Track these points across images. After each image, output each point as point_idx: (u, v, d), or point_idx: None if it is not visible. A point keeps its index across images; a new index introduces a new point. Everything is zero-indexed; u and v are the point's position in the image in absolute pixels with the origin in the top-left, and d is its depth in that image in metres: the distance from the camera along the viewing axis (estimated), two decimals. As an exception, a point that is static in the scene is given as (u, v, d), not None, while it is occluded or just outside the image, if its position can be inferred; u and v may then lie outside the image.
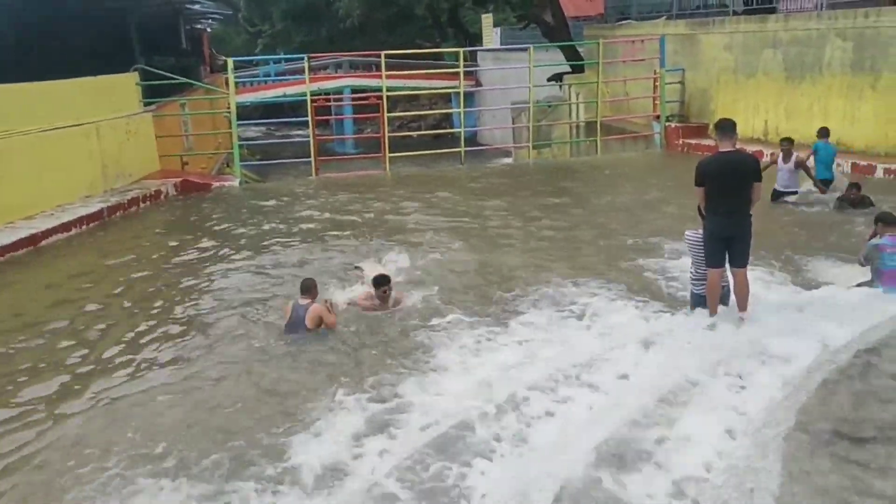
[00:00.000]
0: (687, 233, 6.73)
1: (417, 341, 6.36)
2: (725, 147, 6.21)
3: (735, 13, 17.45)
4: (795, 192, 11.34)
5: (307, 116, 16.38)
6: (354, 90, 28.02)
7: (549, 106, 22.14)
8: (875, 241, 6.98)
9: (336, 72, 31.66)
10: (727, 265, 6.31)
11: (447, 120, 33.02)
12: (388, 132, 17.24)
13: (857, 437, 3.43)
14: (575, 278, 7.85)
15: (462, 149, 17.45)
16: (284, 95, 26.54)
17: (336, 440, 4.65)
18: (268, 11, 42.06)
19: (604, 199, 12.79)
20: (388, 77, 17.59)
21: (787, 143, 11.32)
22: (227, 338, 6.75)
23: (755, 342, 5.43)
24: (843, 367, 4.26)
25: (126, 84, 15.29)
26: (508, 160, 21.80)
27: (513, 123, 23.36)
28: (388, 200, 13.22)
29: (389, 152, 16.69)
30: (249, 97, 28.16)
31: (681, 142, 17.13)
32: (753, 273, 7.43)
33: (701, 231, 6.44)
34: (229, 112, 16.09)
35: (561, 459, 4.11)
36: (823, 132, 11.68)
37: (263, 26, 43.29)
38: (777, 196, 11.34)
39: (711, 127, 17.33)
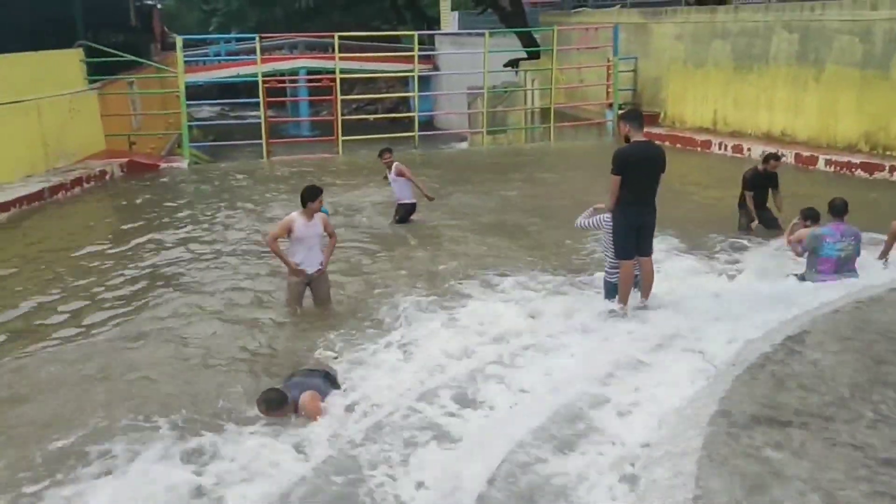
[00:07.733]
0: (605, 217, 6.56)
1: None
2: (638, 137, 6.19)
3: (687, 3, 17.69)
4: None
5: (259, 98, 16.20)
6: (310, 72, 27.61)
7: (506, 91, 22.18)
8: (817, 230, 7.11)
9: (291, 53, 31.17)
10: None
11: (405, 103, 32.72)
12: (344, 115, 17.09)
13: (775, 421, 3.54)
14: (512, 264, 8.15)
15: (416, 133, 17.42)
16: (237, 76, 26.03)
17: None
18: (222, -11, 41.20)
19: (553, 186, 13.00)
20: (343, 59, 17.46)
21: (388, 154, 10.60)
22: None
23: (678, 331, 5.56)
24: (765, 354, 4.38)
25: (69, 61, 14.86)
26: (464, 145, 21.81)
27: (469, 108, 23.35)
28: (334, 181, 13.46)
29: (344, 135, 16.58)
30: (201, 77, 27.51)
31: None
32: (682, 262, 7.75)
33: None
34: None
35: (495, 441, 4.18)
36: None
37: (218, 4, 42.39)
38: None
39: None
